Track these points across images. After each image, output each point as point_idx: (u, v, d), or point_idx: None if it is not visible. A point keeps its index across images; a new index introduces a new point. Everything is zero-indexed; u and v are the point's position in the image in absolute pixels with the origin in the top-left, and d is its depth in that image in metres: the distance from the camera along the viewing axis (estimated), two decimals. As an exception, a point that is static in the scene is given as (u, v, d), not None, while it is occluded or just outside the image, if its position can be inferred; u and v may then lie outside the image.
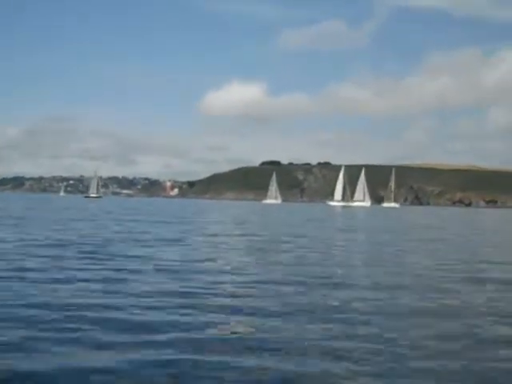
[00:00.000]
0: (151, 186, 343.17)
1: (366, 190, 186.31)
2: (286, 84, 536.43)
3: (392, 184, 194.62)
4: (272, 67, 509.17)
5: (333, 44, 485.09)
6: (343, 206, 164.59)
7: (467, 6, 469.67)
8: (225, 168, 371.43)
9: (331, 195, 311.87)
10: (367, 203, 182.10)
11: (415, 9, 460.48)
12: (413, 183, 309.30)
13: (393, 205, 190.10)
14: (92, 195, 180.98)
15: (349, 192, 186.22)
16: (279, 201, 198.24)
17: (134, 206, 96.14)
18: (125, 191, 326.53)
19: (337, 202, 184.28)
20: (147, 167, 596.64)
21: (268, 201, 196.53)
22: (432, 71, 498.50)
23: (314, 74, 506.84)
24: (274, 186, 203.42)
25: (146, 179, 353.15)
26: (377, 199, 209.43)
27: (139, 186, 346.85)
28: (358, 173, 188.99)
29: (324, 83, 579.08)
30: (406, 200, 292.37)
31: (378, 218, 79.45)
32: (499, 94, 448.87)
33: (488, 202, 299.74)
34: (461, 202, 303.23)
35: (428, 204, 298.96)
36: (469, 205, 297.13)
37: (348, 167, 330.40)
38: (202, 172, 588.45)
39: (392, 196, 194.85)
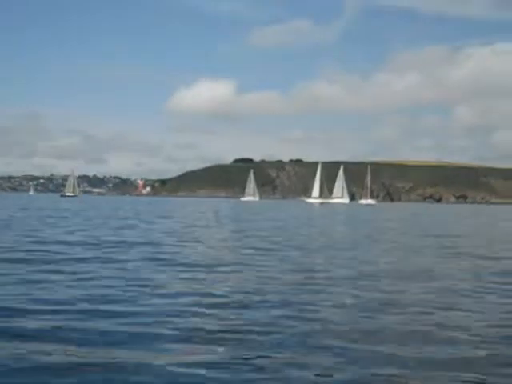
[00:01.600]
0: (122, 185, 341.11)
1: (344, 186, 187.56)
2: (256, 82, 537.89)
3: (368, 181, 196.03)
4: (242, 65, 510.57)
5: (302, 42, 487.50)
6: (321, 203, 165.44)
7: (435, 4, 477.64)
8: (196, 166, 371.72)
9: (303, 192, 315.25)
10: (346, 200, 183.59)
11: (384, 7, 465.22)
12: (384, 180, 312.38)
13: (369, 201, 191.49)
14: (68, 194, 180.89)
15: (326, 189, 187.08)
16: (257, 198, 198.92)
17: (142, 204, 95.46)
18: (96, 190, 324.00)
19: (314, 198, 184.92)
20: (118, 166, 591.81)
21: (246, 198, 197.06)
22: (400, 68, 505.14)
23: (284, 72, 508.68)
24: (251, 183, 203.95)
25: (116, 178, 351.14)
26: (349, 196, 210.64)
27: (110, 185, 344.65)
28: (329, 169, 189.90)
29: (294, 81, 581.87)
30: (377, 196, 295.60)
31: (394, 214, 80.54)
32: (465, 91, 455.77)
33: (458, 198, 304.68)
34: (431, 197, 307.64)
35: (399, 200, 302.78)
36: (439, 200, 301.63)
37: (322, 164, 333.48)
38: (172, 170, 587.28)
39: (368, 193, 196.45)
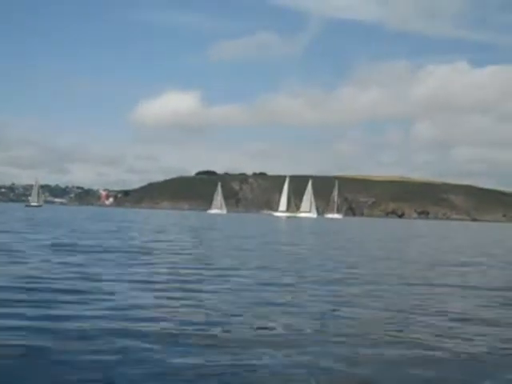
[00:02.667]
0: (85, 195, 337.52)
1: (312, 200, 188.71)
2: (220, 94, 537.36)
3: (335, 195, 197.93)
4: (206, 78, 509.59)
5: (266, 55, 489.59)
6: (288, 217, 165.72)
7: (398, 20, 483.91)
8: (159, 178, 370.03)
9: (266, 205, 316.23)
10: (314, 214, 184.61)
11: (348, 21, 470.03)
12: (347, 194, 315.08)
13: (336, 216, 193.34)
14: (33, 204, 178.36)
15: (293, 202, 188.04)
16: (224, 211, 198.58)
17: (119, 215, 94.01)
18: (58, 200, 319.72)
19: (281, 212, 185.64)
20: (80, 176, 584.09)
21: (213, 211, 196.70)
22: (362, 83, 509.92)
23: (248, 85, 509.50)
24: (219, 196, 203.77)
25: (79, 188, 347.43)
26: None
27: (72, 195, 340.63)
28: (292, 183, 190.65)
29: (258, 94, 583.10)
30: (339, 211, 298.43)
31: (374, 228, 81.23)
32: (427, 107, 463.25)
33: (420, 214, 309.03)
34: (394, 212, 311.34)
35: (362, 215, 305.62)
36: (401, 216, 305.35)
37: (283, 177, 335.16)
38: (135, 181, 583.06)
39: (335, 207, 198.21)
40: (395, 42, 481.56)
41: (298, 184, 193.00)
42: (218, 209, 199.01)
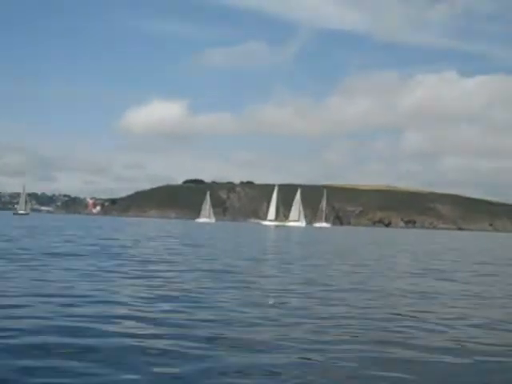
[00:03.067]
0: (72, 203, 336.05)
1: (301, 209, 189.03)
2: (207, 103, 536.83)
3: (324, 204, 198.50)
4: (194, 86, 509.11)
5: (255, 64, 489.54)
6: (276, 226, 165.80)
7: (387, 30, 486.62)
8: (146, 186, 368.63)
9: (254, 214, 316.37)
10: (303, 223, 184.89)
11: (337, 31, 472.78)
12: (334, 203, 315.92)
13: (324, 225, 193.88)
14: (20, 212, 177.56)
15: (282, 211, 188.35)
16: (213, 220, 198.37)
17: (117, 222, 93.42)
18: (44, 208, 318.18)
19: (270, 221, 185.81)
20: (67, 184, 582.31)
21: (202, 219, 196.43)
22: (351, 93, 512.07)
23: (236, 94, 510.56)
24: (207, 205, 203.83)
25: (65, 196, 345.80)
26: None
27: (59, 203, 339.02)
28: (284, 192, 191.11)
29: (246, 103, 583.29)
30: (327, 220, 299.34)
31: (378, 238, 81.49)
32: (415, 117, 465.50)
33: (407, 223, 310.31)
34: (381, 221, 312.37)
35: (349, 224, 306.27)
36: (388, 225, 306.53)
37: (270, 186, 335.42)
38: (122, 190, 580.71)
39: (323, 216, 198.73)
40: (384, 52, 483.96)
41: (286, 193, 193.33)
42: (206, 218, 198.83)
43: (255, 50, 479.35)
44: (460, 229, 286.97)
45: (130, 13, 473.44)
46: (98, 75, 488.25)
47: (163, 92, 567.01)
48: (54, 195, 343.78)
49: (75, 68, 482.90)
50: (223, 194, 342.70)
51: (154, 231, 71.97)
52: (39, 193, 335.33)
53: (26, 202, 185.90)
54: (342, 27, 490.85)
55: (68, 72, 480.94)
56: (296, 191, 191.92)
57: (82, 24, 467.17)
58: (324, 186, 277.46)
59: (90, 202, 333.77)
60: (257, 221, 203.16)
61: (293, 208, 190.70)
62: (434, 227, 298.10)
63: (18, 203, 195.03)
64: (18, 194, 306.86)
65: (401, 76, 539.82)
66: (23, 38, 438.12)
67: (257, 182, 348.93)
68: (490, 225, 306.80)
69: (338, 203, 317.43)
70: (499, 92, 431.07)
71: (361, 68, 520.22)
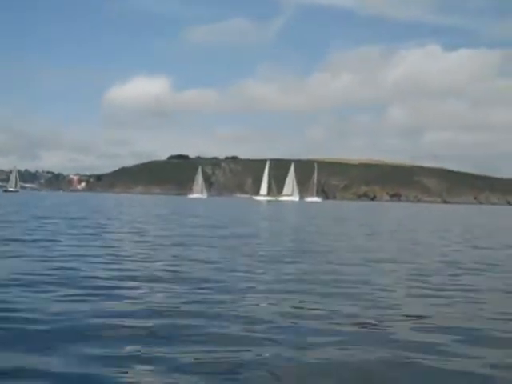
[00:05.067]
0: (55, 180, 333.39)
1: (294, 184, 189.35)
2: (191, 79, 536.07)
3: (315, 178, 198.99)
4: (178, 62, 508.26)
5: (239, 41, 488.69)
6: (268, 201, 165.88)
7: (371, 6, 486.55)
8: (130, 162, 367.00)
9: (239, 189, 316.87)
10: (296, 198, 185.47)
11: (321, 7, 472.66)
12: (319, 177, 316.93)
13: (315, 199, 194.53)
14: (10, 189, 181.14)
15: (274, 186, 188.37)
16: (205, 195, 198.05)
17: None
18: (28, 185, 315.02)
19: (263, 196, 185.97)
20: (51, 161, 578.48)
21: (194, 195, 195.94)
22: (335, 68, 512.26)
23: (220, 70, 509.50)
24: (199, 181, 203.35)
25: (49, 173, 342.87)
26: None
27: (42, 180, 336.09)
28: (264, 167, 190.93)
29: (230, 79, 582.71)
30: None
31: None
32: (399, 92, 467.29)
33: (392, 196, 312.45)
34: (366, 195, 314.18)
35: (334, 198, 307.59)
36: (373, 198, 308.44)
37: (255, 161, 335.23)
38: (106, 166, 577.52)
39: (314, 190, 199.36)
40: (368, 28, 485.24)
41: (272, 168, 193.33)
42: (198, 193, 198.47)
43: (239, 26, 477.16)
44: (445, 202, 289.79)
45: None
46: (81, 52, 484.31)
47: (147, 69, 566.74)
48: (37, 172, 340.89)
49: (58, 46, 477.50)
50: (208, 170, 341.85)
51: (169, 211, 71.58)
52: (22, 170, 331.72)
53: (16, 179, 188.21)
54: (327, 2, 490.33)
55: (51, 50, 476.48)
56: (282, 166, 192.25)
57: (66, 2, 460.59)
58: (308, 160, 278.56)
59: (75, 178, 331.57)
60: (248, 196, 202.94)
61: (286, 182, 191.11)
62: (419, 200, 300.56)
63: (2, 180, 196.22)
64: (2, 172, 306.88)
65: (385, 51, 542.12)
66: (6, 16, 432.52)
67: (241, 157, 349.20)
68: (475, 198, 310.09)
69: (322, 177, 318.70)
70: (483, 66, 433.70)
71: (345, 43, 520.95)
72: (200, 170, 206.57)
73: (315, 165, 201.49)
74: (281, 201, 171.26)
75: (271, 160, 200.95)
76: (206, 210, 66.91)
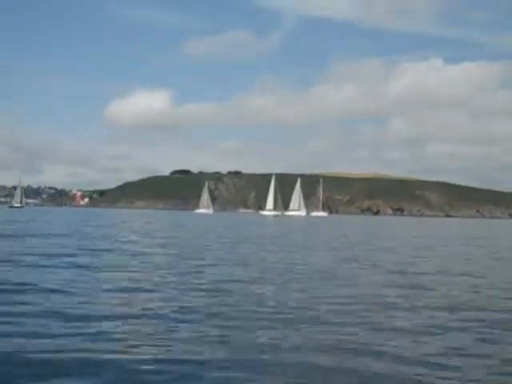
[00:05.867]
0: (58, 196, 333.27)
1: (301, 199, 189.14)
2: (193, 93, 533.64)
3: (320, 193, 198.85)
4: (179, 76, 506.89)
5: (240, 53, 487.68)
6: (274, 216, 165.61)
7: (373, 18, 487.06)
8: (132, 177, 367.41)
9: (242, 204, 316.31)
10: (303, 212, 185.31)
11: (322, 19, 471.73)
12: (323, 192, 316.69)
13: (321, 214, 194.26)
14: (16, 205, 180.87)
15: (280, 201, 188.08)
16: (211, 211, 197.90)
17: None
18: (31, 201, 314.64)
19: (268, 211, 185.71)
20: (52, 176, 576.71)
21: (200, 210, 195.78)
22: (336, 81, 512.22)
23: (221, 83, 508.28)
24: (206, 196, 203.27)
25: (51, 188, 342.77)
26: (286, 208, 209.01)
27: (44, 196, 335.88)
28: (268, 181, 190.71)
29: (230, 92, 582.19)
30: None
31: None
32: (401, 104, 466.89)
33: (395, 210, 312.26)
34: (369, 210, 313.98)
35: (337, 212, 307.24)
36: (377, 213, 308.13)
37: (258, 176, 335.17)
38: (108, 181, 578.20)
39: (320, 205, 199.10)
40: (370, 40, 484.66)
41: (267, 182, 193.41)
42: (205, 208, 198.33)
43: (240, 38, 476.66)
44: (448, 216, 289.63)
45: (114, 2, 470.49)
46: (82, 66, 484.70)
47: (148, 82, 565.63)
48: (39, 187, 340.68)
49: (59, 59, 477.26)
50: (211, 185, 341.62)
51: (190, 228, 71.32)
52: (25, 185, 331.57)
53: (21, 195, 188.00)
54: (328, 15, 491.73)
55: (52, 64, 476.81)
56: (285, 180, 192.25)
57: (67, 13, 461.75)
58: (311, 175, 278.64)
59: (78, 194, 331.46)
60: (252, 211, 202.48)
61: (293, 197, 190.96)
62: (422, 214, 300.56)
63: (4, 196, 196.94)
64: (4, 187, 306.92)
65: (387, 63, 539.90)
66: (7, 27, 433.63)
67: (244, 171, 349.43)
68: (477, 211, 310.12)
69: (326, 192, 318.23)
70: (485, 78, 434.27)
71: (347, 55, 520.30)
72: (206, 185, 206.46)
73: (321, 180, 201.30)
74: (287, 216, 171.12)
75: (276, 175, 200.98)
76: (261, 229, 64.75)
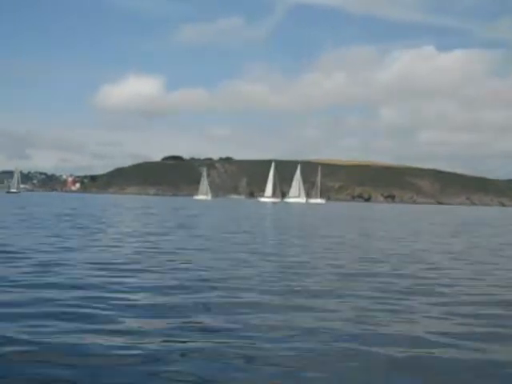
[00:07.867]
0: (49, 181, 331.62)
1: (301, 186, 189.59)
2: (183, 79, 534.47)
3: (319, 180, 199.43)
4: (170, 62, 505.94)
5: (231, 40, 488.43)
6: (274, 203, 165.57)
7: (364, 5, 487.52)
8: (123, 163, 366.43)
9: (234, 190, 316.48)
10: (303, 199, 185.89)
11: (313, 6, 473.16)
12: (313, 178, 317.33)
13: (319, 201, 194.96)
14: (13, 190, 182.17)
15: (279, 188, 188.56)
16: (209, 197, 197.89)
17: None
18: (21, 186, 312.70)
19: (267, 198, 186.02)
20: (43, 162, 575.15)
21: (199, 197, 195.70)
22: (327, 68, 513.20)
23: (212, 70, 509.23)
24: (205, 182, 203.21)
25: (42, 174, 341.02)
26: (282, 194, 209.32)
27: (35, 181, 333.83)
28: (262, 168, 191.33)
29: (222, 79, 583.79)
30: (308, 195, 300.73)
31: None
32: (392, 92, 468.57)
33: (386, 197, 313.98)
34: (360, 196, 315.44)
35: (329, 199, 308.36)
36: (368, 199, 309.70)
37: (249, 162, 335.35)
38: (99, 167, 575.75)
39: (318, 192, 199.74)
40: (361, 28, 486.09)
41: (265, 168, 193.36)
42: (204, 195, 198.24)
43: (230, 25, 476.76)
44: (439, 203, 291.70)
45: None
46: (72, 51, 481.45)
47: (139, 69, 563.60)
48: (29, 173, 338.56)
49: (49, 44, 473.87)
50: (203, 171, 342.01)
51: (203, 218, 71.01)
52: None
53: (18, 181, 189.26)
54: (319, 2, 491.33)
55: (42, 48, 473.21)
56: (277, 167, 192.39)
57: (57, 2, 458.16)
58: (302, 161, 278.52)
59: (70, 179, 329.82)
60: (240, 197, 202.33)
61: (293, 184, 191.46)
62: (414, 202, 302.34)
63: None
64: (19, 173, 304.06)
65: (377, 51, 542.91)
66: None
67: (235, 157, 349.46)
68: (467, 198, 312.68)
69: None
70: (475, 67, 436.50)
71: (337, 43, 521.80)
72: (205, 172, 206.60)
73: (319, 167, 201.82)
74: (288, 202, 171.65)
75: (272, 161, 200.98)
76: (276, 218, 64.47)
